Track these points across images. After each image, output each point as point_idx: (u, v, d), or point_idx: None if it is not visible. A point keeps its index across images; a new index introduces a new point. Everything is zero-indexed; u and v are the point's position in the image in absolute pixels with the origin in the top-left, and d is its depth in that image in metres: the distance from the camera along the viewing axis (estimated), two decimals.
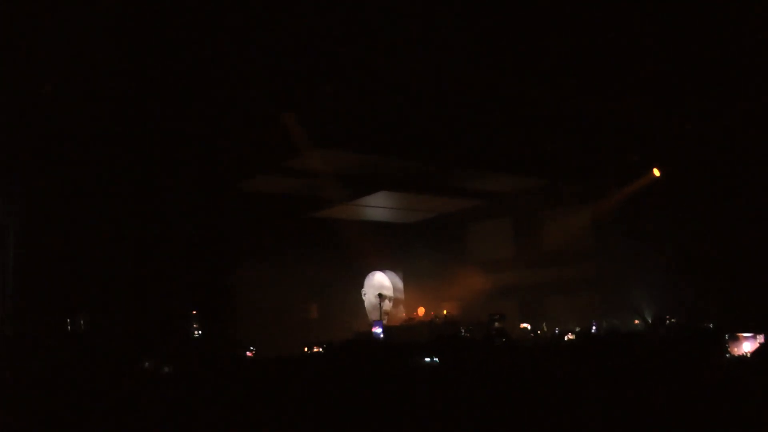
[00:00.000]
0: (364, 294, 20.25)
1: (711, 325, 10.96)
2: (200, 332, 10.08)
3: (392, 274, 21.10)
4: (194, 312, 10.21)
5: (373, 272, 20.61)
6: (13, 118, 10.40)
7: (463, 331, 14.38)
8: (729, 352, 7.30)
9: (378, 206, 18.64)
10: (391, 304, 18.84)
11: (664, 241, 15.34)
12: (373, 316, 19.33)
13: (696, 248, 14.84)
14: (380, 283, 20.57)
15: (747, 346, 7.71)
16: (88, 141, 11.16)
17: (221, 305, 13.74)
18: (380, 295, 18.71)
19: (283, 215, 17.82)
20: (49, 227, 11.43)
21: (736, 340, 7.76)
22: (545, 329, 15.58)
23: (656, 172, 15.75)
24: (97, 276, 11.35)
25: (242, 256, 17.03)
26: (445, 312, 18.51)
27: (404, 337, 15.11)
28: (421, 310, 18.63)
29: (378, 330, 15.83)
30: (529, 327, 15.61)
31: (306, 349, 9.89)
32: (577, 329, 13.96)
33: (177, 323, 10.36)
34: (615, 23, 10.36)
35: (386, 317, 18.55)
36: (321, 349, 9.81)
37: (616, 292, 16.17)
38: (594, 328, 13.96)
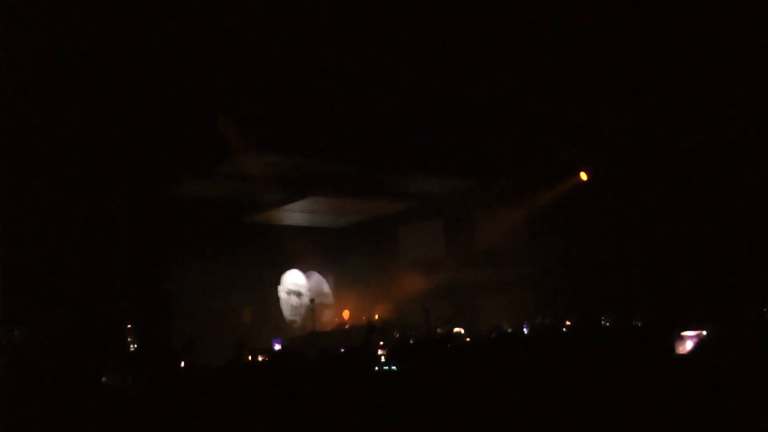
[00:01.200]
0: (280, 292, 20.08)
1: (640, 324, 11.15)
2: (136, 345, 9.84)
3: (319, 277, 20.97)
4: (129, 325, 9.95)
5: (289, 270, 20.43)
6: None
7: (397, 334, 14.31)
8: (669, 350, 7.40)
9: (308, 211, 18.54)
10: (312, 305, 18.62)
11: (595, 240, 15.57)
12: (289, 314, 19.41)
13: (627, 246, 15.10)
14: (294, 280, 20.41)
15: (689, 344, 7.82)
16: (12, 151, 10.85)
17: (155, 314, 13.48)
18: (312, 300, 18.64)
19: (214, 220, 17.65)
20: None
21: (677, 338, 7.86)
22: (476, 329, 15.63)
23: (583, 176, 15.97)
24: (25, 285, 11.01)
25: (175, 262, 16.78)
26: (377, 316, 18.49)
27: (337, 344, 14.98)
28: (345, 314, 18.60)
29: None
30: (462, 331, 15.62)
31: (250, 357, 9.70)
32: (509, 330, 14.02)
33: (112, 334, 10.10)
34: (546, 18, 10.45)
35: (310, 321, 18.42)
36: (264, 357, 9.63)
37: (547, 292, 16.32)
38: (525, 327, 14.03)
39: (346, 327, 17.86)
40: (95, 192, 12.32)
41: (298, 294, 20.08)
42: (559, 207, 16.39)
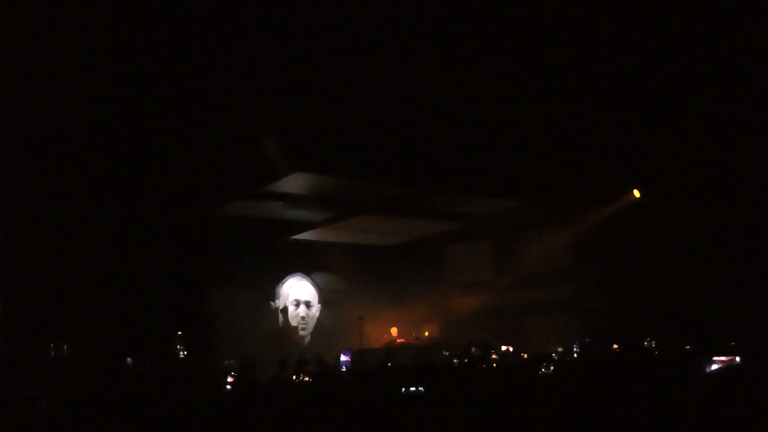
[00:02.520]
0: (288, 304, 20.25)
1: (688, 347, 11.03)
2: (185, 353, 10.04)
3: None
4: (179, 333, 10.15)
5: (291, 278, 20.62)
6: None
7: (447, 353, 14.33)
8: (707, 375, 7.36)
9: (356, 230, 18.67)
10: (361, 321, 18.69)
11: (644, 261, 15.41)
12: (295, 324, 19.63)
13: (676, 268, 14.92)
14: (302, 290, 20.57)
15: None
16: (68, 165, 11.11)
17: (202, 327, 13.70)
18: (361, 317, 18.71)
19: (261, 238, 17.92)
20: (29, 254, 11.37)
21: (713, 363, 7.81)
22: (525, 351, 15.54)
23: (636, 193, 15.82)
24: (79, 300, 11.29)
25: (222, 279, 17.07)
26: (426, 334, 18.52)
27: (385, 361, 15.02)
28: (394, 331, 18.60)
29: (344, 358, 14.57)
30: (510, 349, 15.53)
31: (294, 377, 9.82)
32: (559, 350, 13.92)
33: (161, 346, 10.30)
34: (593, 43, 10.42)
35: (365, 339, 18.49)
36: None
37: (596, 314, 16.18)
38: (576, 349, 13.92)
39: (395, 344, 17.90)
40: (147, 212, 12.59)
41: (308, 304, 20.20)
42: (608, 227, 16.25)
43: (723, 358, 7.61)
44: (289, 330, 19.62)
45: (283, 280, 19.87)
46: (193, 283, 13.46)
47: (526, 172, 15.23)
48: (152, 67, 9.37)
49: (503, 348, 15.79)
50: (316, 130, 12.46)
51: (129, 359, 8.77)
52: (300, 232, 18.44)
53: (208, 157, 12.44)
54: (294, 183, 14.39)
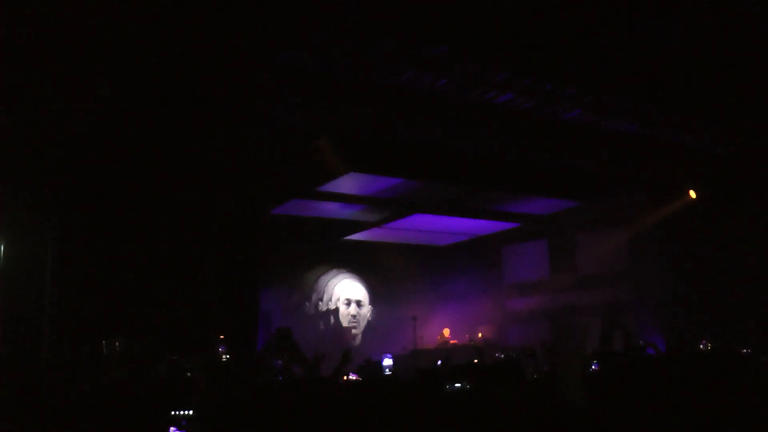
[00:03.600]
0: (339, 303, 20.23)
1: (747, 350, 10.80)
2: (228, 356, 10.05)
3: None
4: (221, 337, 10.15)
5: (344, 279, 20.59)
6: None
7: (502, 355, 14.13)
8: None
9: (410, 230, 18.67)
10: (415, 322, 18.65)
11: (702, 262, 15.20)
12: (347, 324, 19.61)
13: (735, 269, 14.68)
14: (352, 290, 20.59)
15: None
16: (119, 169, 11.23)
17: (253, 330, 13.75)
18: (415, 318, 18.68)
19: (315, 239, 18.02)
20: (82, 252, 11.50)
21: None
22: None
23: (692, 194, 15.61)
24: (129, 300, 11.40)
25: (276, 280, 17.19)
26: (480, 335, 18.43)
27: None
28: (446, 332, 18.54)
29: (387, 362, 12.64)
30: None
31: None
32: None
33: (208, 347, 10.34)
34: (652, 38, 10.25)
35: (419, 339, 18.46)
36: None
37: (653, 314, 15.99)
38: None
39: (448, 346, 17.85)
40: (201, 211, 12.67)
41: (359, 303, 20.24)
42: (665, 228, 16.06)
43: None
44: (340, 330, 19.73)
45: (336, 281, 19.98)
46: (248, 284, 13.52)
47: (582, 172, 15.08)
48: (205, 66, 9.40)
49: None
50: (370, 129, 12.44)
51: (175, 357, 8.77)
52: (354, 233, 18.48)
53: (263, 158, 12.48)
54: (348, 183, 14.38)
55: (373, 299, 20.49)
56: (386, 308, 20.33)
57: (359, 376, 9.68)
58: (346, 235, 18.65)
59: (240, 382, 6.56)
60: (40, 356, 10.87)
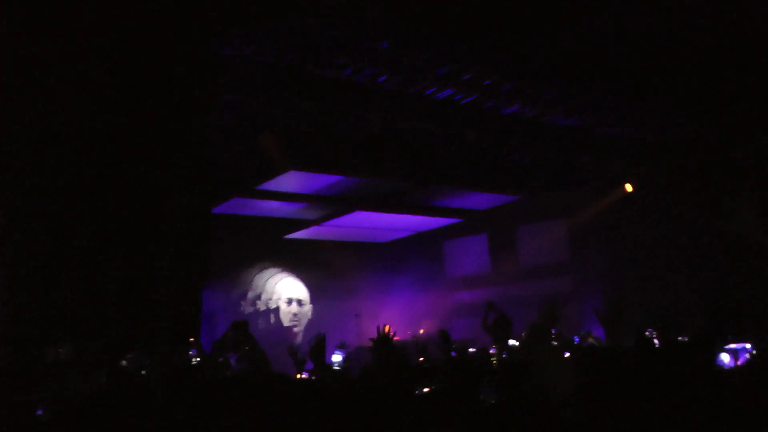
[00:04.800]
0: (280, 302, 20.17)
1: (688, 338, 10.97)
2: (198, 359, 9.89)
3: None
4: (191, 339, 9.97)
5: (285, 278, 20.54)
6: None
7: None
8: (717, 365, 7.30)
9: (353, 226, 18.64)
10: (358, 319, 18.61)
11: (642, 252, 15.44)
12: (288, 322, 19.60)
13: (673, 259, 14.94)
14: (293, 289, 20.49)
15: (734, 358, 7.72)
16: (58, 168, 10.95)
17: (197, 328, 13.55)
18: (357, 315, 18.66)
19: (256, 237, 17.87)
20: (20, 252, 11.21)
21: (723, 351, 7.77)
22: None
23: (628, 187, 15.85)
24: (75, 303, 11.13)
25: (216, 279, 16.99)
26: (422, 331, 18.44)
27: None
28: (386, 329, 18.50)
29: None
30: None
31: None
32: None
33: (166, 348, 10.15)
34: (589, 33, 10.34)
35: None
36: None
37: (593, 306, 16.16)
38: (576, 341, 13.84)
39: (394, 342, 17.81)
40: (141, 212, 12.44)
41: (299, 302, 20.19)
42: (603, 220, 16.28)
43: (733, 346, 7.58)
44: (281, 328, 19.63)
45: (276, 279, 19.85)
46: (192, 284, 13.32)
47: (522, 166, 15.21)
48: (146, 60, 9.24)
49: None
50: (311, 126, 12.37)
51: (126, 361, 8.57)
52: (294, 231, 18.38)
53: (203, 155, 12.32)
54: (289, 181, 14.28)
55: (314, 297, 20.40)
56: (328, 306, 20.23)
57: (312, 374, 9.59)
58: (287, 234, 18.55)
59: (207, 381, 6.44)
60: None
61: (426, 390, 5.14)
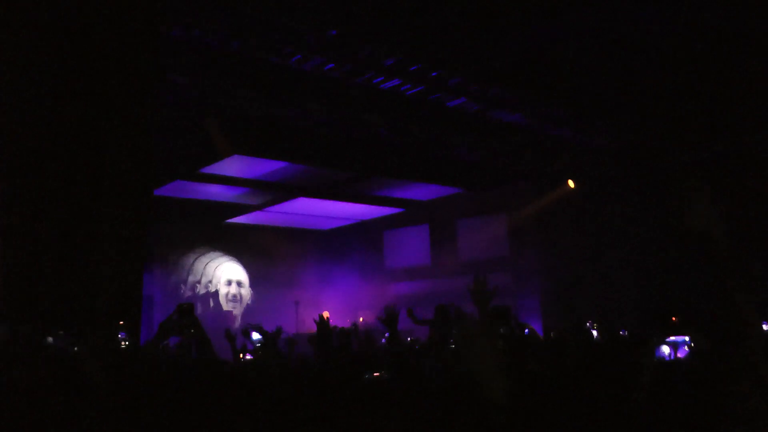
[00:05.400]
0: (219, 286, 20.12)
1: (625, 332, 11.18)
2: (127, 342, 9.78)
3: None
4: (121, 322, 9.85)
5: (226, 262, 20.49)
6: None
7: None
8: (658, 357, 7.45)
9: (295, 213, 18.62)
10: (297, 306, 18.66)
11: (579, 249, 15.66)
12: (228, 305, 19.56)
13: (610, 256, 15.19)
14: (233, 271, 20.48)
15: (674, 350, 7.89)
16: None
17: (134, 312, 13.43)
18: (297, 302, 18.68)
19: (200, 222, 17.76)
20: None
21: (664, 344, 7.93)
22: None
23: (571, 184, 16.05)
24: (12, 284, 10.93)
25: (157, 263, 16.85)
26: (361, 319, 18.53)
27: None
28: (325, 314, 18.54)
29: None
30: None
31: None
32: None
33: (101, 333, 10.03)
34: (540, 33, 10.43)
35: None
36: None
37: (531, 300, 16.38)
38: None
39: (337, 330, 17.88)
40: (81, 192, 12.27)
41: (239, 283, 20.16)
42: (543, 216, 16.48)
43: (674, 338, 7.73)
44: (221, 313, 19.57)
45: (215, 263, 19.77)
46: (132, 267, 13.18)
47: (464, 160, 15.30)
48: (92, 41, 9.12)
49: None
50: (256, 111, 12.31)
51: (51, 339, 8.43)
52: (236, 216, 18.32)
53: (147, 137, 12.20)
54: (232, 165, 14.21)
55: (254, 282, 20.37)
56: (267, 291, 20.22)
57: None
58: (229, 219, 18.48)
59: (143, 366, 6.35)
60: None
61: (375, 374, 5.17)
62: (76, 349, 6.40)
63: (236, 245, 19.98)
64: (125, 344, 7.78)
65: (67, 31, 8.86)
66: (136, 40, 9.28)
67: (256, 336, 11.77)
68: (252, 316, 19.78)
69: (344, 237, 20.88)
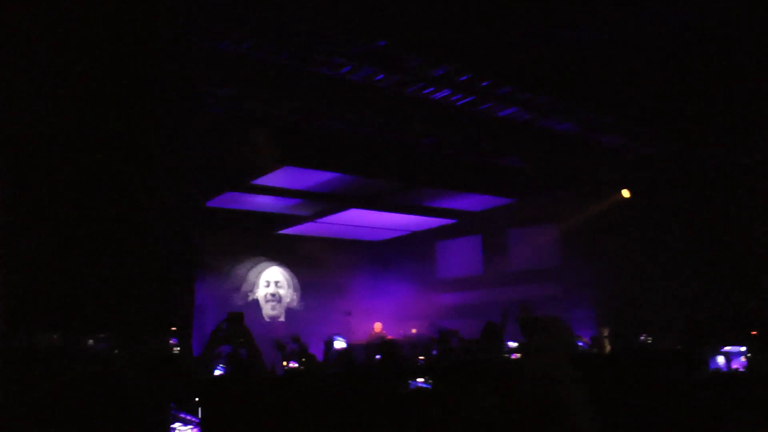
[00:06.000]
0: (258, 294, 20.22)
1: (679, 347, 11.03)
2: (178, 349, 9.92)
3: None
4: (173, 329, 9.99)
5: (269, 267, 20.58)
6: None
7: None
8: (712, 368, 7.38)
9: (347, 224, 18.68)
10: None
11: (631, 259, 15.50)
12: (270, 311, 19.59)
13: (667, 266, 15.00)
14: (275, 277, 20.53)
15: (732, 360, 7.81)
16: (53, 161, 10.95)
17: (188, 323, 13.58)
18: (349, 313, 18.69)
19: (251, 232, 17.91)
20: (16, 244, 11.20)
21: (719, 354, 7.86)
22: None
23: (626, 193, 15.89)
24: (70, 295, 11.12)
25: (209, 274, 17.02)
26: (414, 330, 18.50)
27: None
28: (377, 326, 18.57)
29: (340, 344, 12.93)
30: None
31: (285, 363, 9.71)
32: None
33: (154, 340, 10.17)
34: (589, 40, 10.37)
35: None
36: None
37: (582, 311, 16.23)
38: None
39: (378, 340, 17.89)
40: (133, 203, 12.44)
41: (277, 283, 20.22)
42: (595, 226, 16.33)
43: (728, 348, 7.65)
44: (270, 321, 19.69)
45: (261, 268, 19.92)
46: (184, 276, 13.36)
47: (515, 169, 15.25)
48: (140, 54, 9.26)
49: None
50: (306, 122, 12.39)
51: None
52: (288, 227, 18.43)
53: (198, 149, 12.35)
54: (283, 176, 14.32)
55: (305, 291, 20.47)
56: (318, 301, 20.29)
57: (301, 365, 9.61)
58: (280, 229, 18.60)
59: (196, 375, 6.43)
60: None
61: (421, 380, 5.19)
62: (116, 352, 6.49)
63: (288, 255, 20.09)
64: (177, 350, 7.87)
65: (113, 45, 8.99)
66: (185, 53, 9.40)
67: (339, 345, 11.86)
68: (300, 327, 19.86)
69: (396, 247, 20.90)
